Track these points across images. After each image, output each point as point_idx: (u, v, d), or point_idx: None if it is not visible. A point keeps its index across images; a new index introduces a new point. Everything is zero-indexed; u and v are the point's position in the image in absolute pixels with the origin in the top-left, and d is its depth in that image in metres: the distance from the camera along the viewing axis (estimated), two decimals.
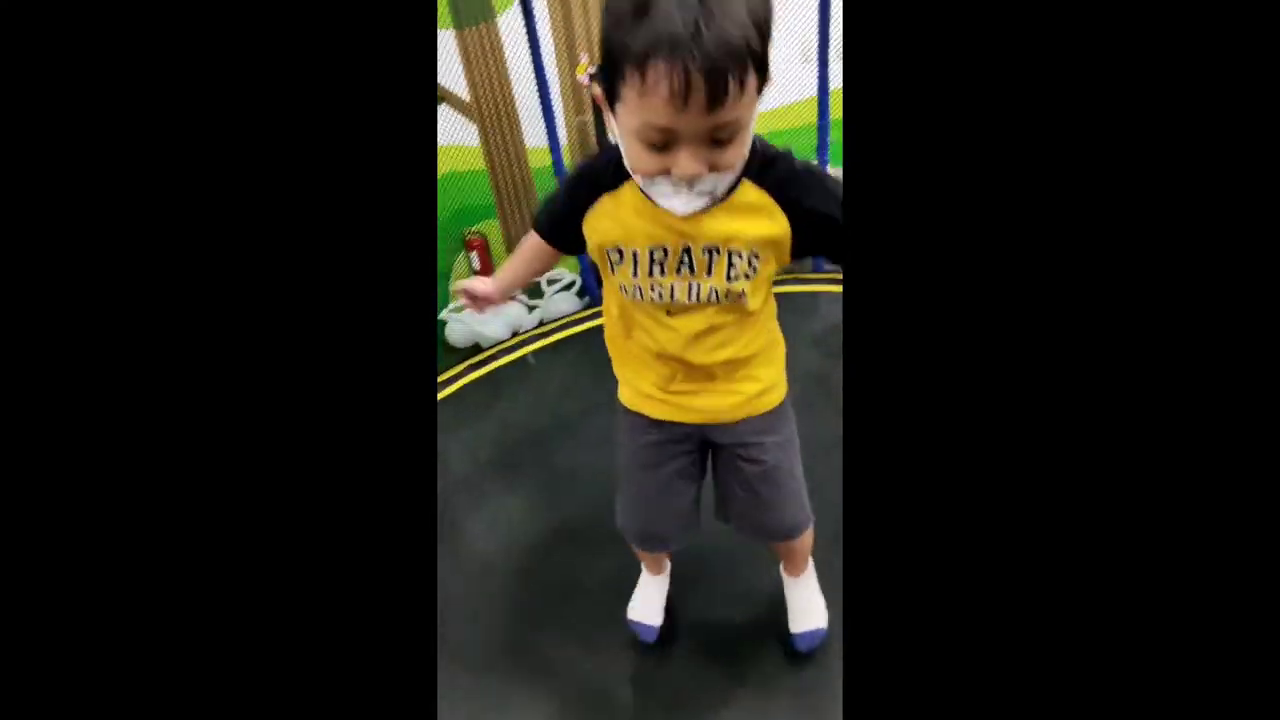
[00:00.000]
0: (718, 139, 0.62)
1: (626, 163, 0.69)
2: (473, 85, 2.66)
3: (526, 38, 2.17)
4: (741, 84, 0.57)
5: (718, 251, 0.77)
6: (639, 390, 0.93)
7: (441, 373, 2.36)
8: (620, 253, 0.79)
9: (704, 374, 0.87)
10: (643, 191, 0.73)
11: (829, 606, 1.19)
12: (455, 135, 2.77)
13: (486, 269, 2.96)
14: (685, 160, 0.62)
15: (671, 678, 1.21)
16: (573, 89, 2.78)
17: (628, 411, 0.96)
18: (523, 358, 2.36)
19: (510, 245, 3.05)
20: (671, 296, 0.80)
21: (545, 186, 2.92)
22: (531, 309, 2.73)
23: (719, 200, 0.74)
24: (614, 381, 0.98)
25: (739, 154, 0.66)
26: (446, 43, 2.61)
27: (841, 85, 2.06)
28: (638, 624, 1.23)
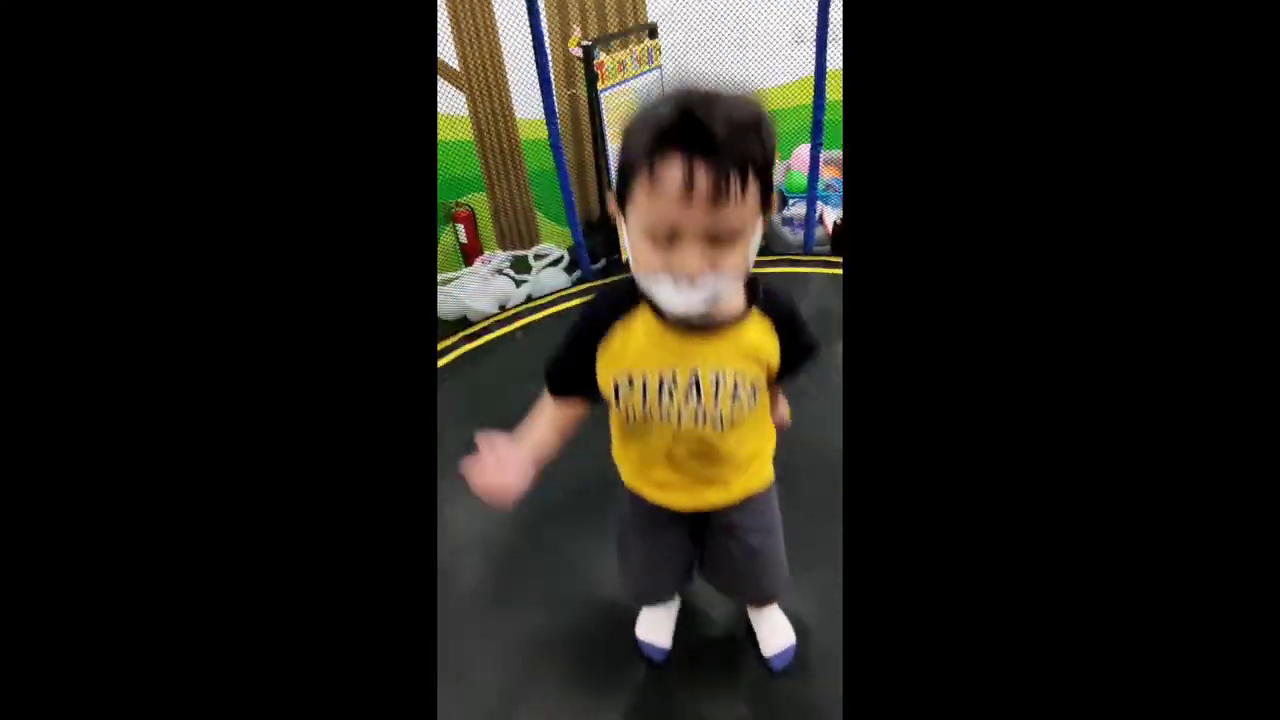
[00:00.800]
0: (719, 239, 0.65)
1: (633, 264, 0.72)
2: (462, 53, 2.62)
3: (526, 6, 2.13)
4: (744, 187, 0.62)
5: (723, 378, 0.81)
6: (639, 478, 0.99)
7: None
8: (630, 380, 0.82)
9: (702, 479, 0.93)
10: (649, 306, 0.77)
11: (832, 592, 1.19)
12: (443, 104, 2.73)
13: (473, 242, 2.94)
14: (687, 255, 0.65)
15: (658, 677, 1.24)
16: (565, 61, 2.75)
17: (630, 491, 1.02)
18: (511, 332, 2.36)
19: (498, 217, 3.03)
20: (679, 422, 0.84)
21: (534, 159, 2.89)
22: (519, 284, 2.72)
23: (722, 323, 0.78)
24: None
25: (740, 259, 0.69)
26: (436, 8, 2.55)
27: (841, 67, 2.05)
28: (646, 644, 1.27)
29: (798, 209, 2.80)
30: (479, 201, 2.97)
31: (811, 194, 2.57)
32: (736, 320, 0.80)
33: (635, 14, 2.82)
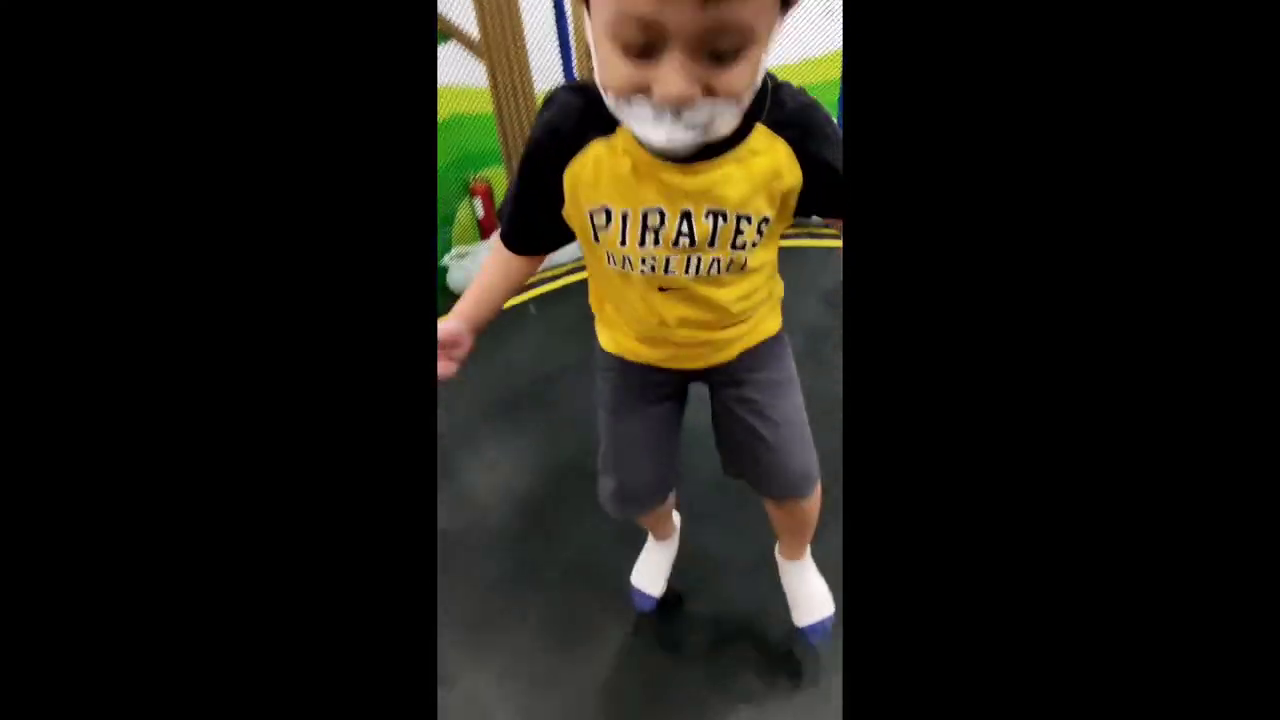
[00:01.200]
0: (718, 50, 0.47)
1: (597, 76, 0.53)
2: (482, 22, 2.57)
3: None
4: None
5: (724, 218, 0.64)
6: (622, 336, 0.82)
7: (442, 316, 2.35)
8: (608, 214, 0.65)
9: (693, 335, 0.78)
10: (620, 120, 0.58)
11: (830, 588, 1.11)
12: (462, 75, 2.69)
13: (490, 217, 2.92)
14: (670, 74, 0.47)
15: (659, 650, 1.22)
16: (584, 37, 2.69)
17: (607, 355, 0.85)
18: (524, 304, 2.35)
19: None
20: (666, 270, 0.68)
21: None
22: None
23: (722, 146, 0.59)
24: None
25: (745, 78, 0.50)
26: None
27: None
28: (637, 591, 1.22)
29: None
30: (497, 176, 2.94)
31: None
32: (738, 141, 0.61)
33: None
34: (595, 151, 0.63)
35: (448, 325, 0.75)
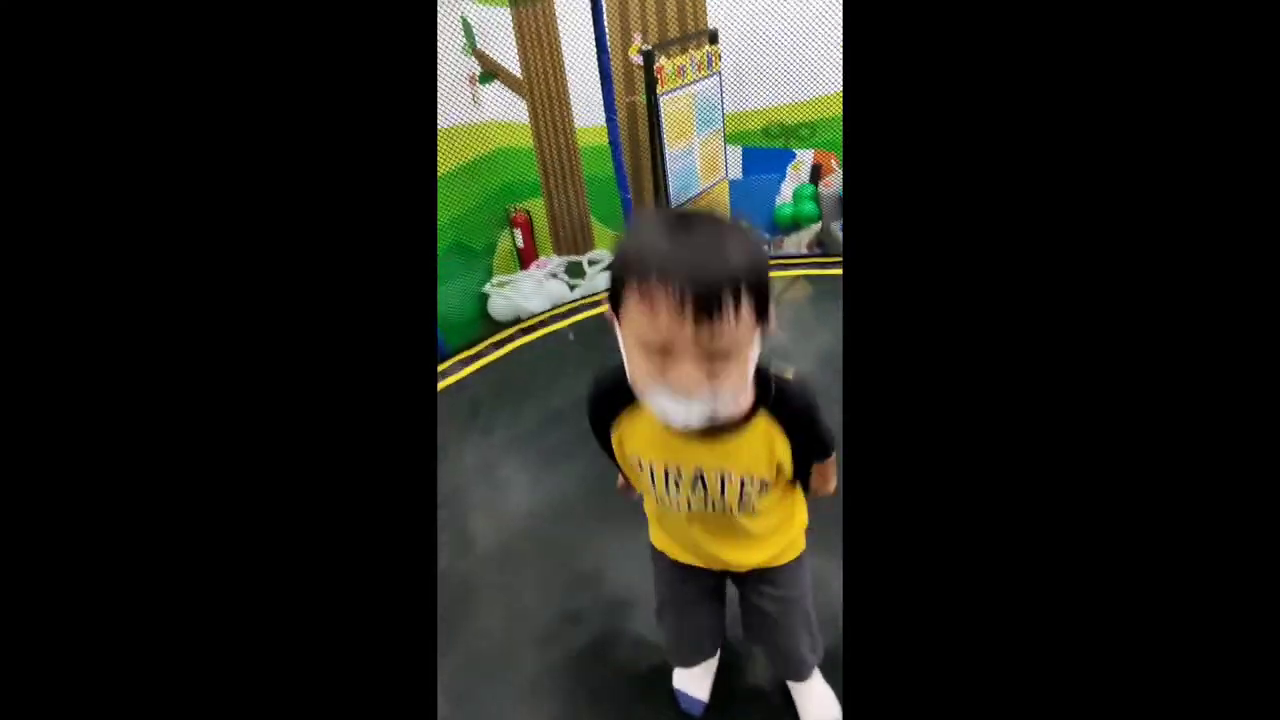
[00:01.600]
0: (715, 356, 0.65)
1: (630, 376, 0.72)
2: (525, 62, 2.69)
3: (591, 12, 2.17)
4: (736, 307, 0.63)
5: (729, 478, 0.82)
6: (664, 536, 1.02)
7: (482, 342, 2.42)
8: (640, 464, 0.85)
9: (721, 548, 0.96)
10: (646, 404, 0.77)
11: (828, 581, 1.13)
12: (506, 112, 2.81)
13: (529, 246, 3.00)
14: (682, 371, 0.65)
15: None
16: (624, 70, 2.79)
17: (658, 552, 1.05)
18: (564, 330, 2.40)
19: (553, 223, 3.09)
20: (689, 508, 0.86)
21: (593, 166, 2.94)
22: (573, 287, 2.76)
23: (727, 426, 0.77)
24: None
25: (739, 374, 0.68)
26: (503, 19, 2.64)
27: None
28: (684, 694, 1.24)
29: None
30: (537, 207, 3.04)
31: None
32: (743, 423, 0.79)
33: (695, 20, 2.85)
34: (624, 419, 0.84)
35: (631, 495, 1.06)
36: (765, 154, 3.10)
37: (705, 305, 0.61)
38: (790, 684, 1.21)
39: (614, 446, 0.87)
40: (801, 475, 0.89)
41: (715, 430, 0.78)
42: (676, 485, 0.84)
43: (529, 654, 1.30)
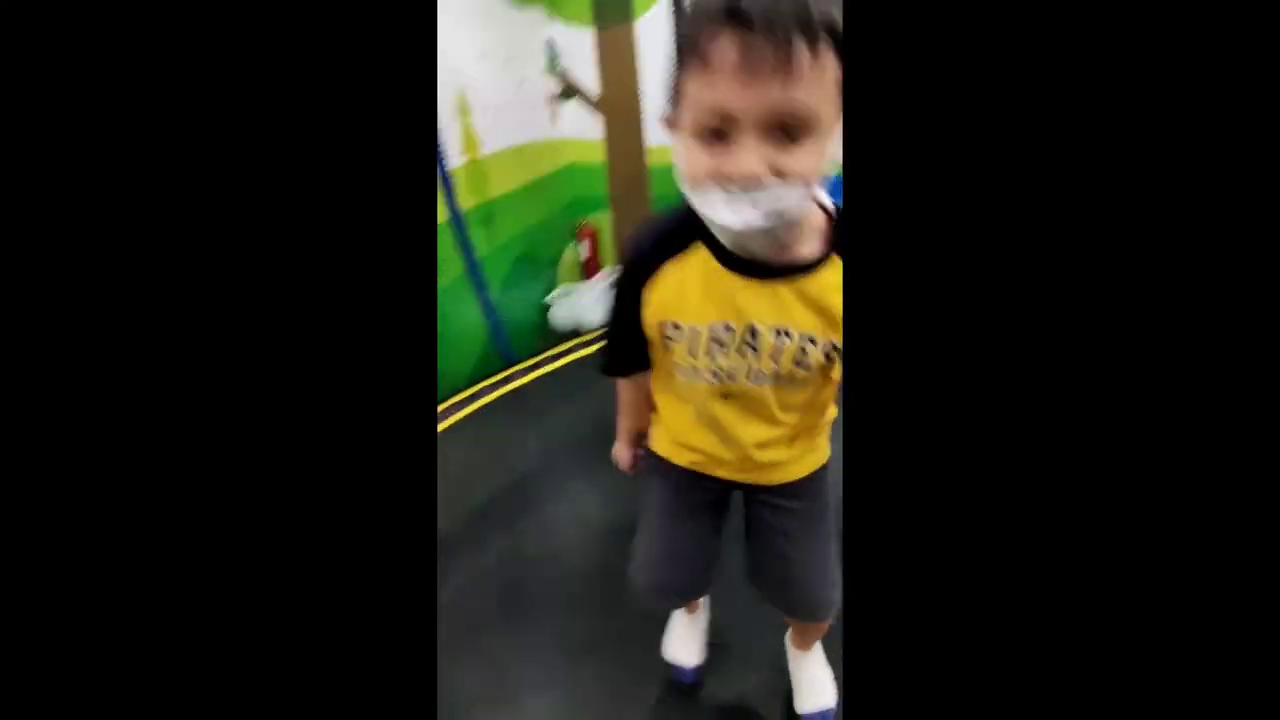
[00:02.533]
0: (784, 129, 0.52)
1: (681, 174, 0.60)
2: (605, 82, 2.77)
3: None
4: (815, 54, 0.50)
5: (789, 336, 0.68)
6: (679, 442, 0.87)
7: (542, 353, 2.48)
8: (678, 328, 0.71)
9: (745, 449, 0.82)
10: (705, 243, 0.66)
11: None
12: (579, 129, 2.89)
13: (594, 258, 3.07)
14: (741, 154, 0.53)
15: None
16: None
17: (660, 459, 0.90)
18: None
19: (619, 237, 3.14)
20: (730, 378, 0.73)
21: (661, 185, 2.99)
22: None
23: (793, 267, 0.65)
24: None
25: (809, 162, 0.54)
26: (585, 42, 2.73)
27: None
28: (674, 664, 1.20)
29: None
30: (604, 220, 3.10)
31: None
32: (812, 266, 0.65)
33: None
34: (667, 272, 0.70)
35: (624, 456, 0.99)
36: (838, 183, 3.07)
37: (778, 54, 0.49)
38: (792, 658, 1.13)
39: (641, 313, 0.73)
40: None
41: (778, 271, 0.65)
42: (721, 346, 0.70)
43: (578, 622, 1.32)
